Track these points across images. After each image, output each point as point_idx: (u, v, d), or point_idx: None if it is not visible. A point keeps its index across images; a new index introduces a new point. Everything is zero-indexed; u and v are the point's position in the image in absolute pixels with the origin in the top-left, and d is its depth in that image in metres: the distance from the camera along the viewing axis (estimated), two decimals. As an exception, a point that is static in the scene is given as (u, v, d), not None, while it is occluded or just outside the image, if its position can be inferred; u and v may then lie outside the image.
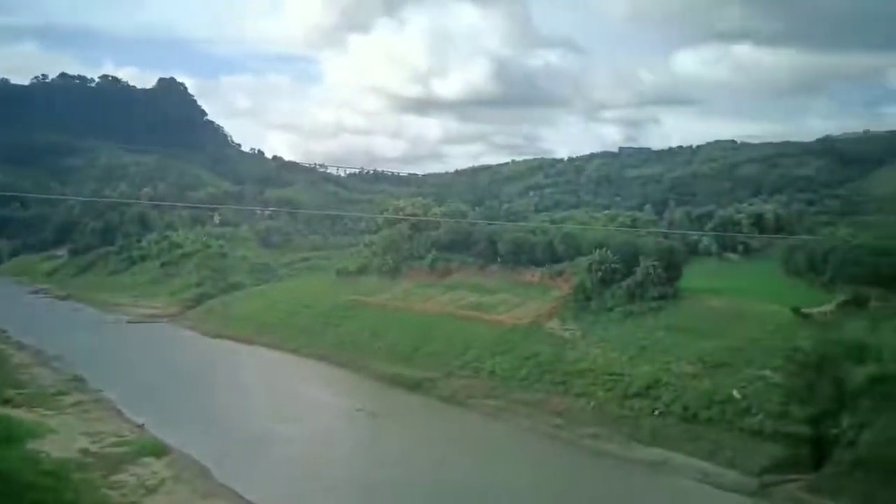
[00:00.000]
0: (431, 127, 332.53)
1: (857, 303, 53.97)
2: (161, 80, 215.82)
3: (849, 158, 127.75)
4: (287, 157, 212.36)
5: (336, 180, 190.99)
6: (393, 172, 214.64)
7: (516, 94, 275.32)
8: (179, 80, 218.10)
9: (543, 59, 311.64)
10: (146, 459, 39.72)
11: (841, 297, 55.52)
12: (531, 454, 45.36)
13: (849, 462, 36.98)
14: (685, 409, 44.34)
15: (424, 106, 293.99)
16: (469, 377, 57.09)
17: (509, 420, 50.19)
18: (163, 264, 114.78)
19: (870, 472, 35.68)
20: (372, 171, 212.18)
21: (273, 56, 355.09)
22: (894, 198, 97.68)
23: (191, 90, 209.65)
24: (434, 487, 38.11)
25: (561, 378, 52.04)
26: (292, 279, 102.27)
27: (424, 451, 44.79)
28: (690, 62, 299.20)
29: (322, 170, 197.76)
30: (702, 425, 43.12)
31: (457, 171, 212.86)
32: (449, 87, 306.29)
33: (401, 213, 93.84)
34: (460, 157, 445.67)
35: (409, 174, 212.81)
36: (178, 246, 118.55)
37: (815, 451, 39.24)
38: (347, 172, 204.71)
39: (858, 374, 41.38)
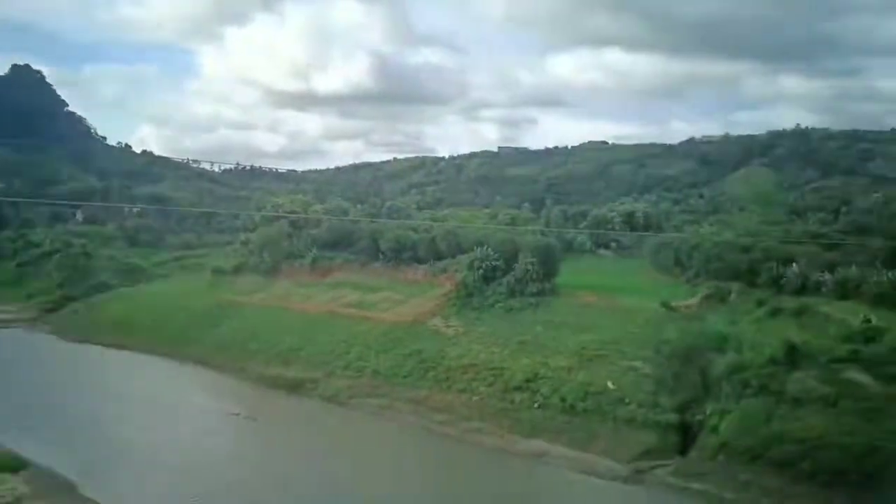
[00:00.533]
0: (311, 122, 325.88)
1: (719, 296, 57.83)
2: (14, 67, 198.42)
3: (710, 160, 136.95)
4: (158, 151, 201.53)
5: (211, 176, 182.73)
6: (271, 168, 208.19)
7: (397, 91, 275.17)
8: (36, 67, 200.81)
9: (424, 57, 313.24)
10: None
11: (704, 291, 59.30)
12: (413, 451, 45.23)
13: (713, 446, 39.31)
14: (563, 401, 45.64)
15: (304, 101, 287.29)
16: (352, 376, 56.15)
17: (393, 418, 49.73)
18: (19, 265, 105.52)
19: (732, 454, 38.09)
20: (249, 167, 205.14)
21: (144, 45, 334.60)
22: (752, 197, 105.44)
23: (49, 79, 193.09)
24: (311, 489, 37.17)
25: (444, 374, 52.18)
26: (165, 280, 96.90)
27: (303, 453, 43.56)
28: (565, 65, 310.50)
29: (196, 165, 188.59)
30: (579, 416, 44.54)
31: (338, 168, 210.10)
32: (329, 82, 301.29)
33: (280, 211, 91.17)
34: (341, 154, 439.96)
35: (289, 170, 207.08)
36: (36, 245, 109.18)
37: (682, 437, 41.48)
38: (223, 168, 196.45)
39: (720, 364, 44.17)
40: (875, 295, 50.52)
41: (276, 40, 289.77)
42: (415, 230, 79.14)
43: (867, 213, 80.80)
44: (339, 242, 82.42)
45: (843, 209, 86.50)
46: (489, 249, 63.62)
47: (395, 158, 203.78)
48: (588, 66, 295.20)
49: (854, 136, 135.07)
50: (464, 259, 66.92)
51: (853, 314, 47.60)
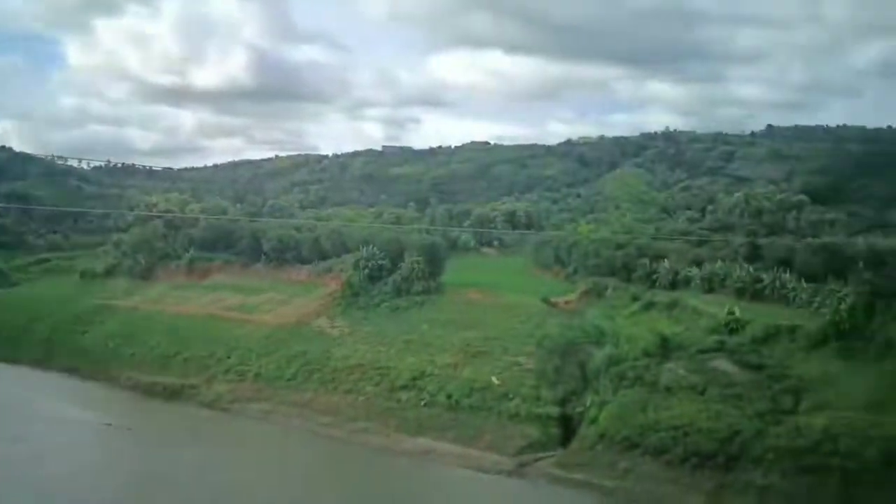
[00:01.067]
0: (187, 118, 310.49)
1: (597, 292, 60.09)
2: None
3: (587, 161, 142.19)
4: (18, 147, 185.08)
5: (79, 174, 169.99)
6: (145, 166, 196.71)
7: (277, 87, 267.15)
8: None
9: (305, 54, 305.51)
10: None
11: (583, 287, 61.44)
12: (297, 454, 44.04)
13: (592, 436, 40.65)
14: (449, 398, 45.86)
15: (179, 96, 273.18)
16: (234, 381, 54.05)
17: (278, 422, 48.25)
18: None
19: (610, 444, 39.51)
20: (121, 165, 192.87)
21: (2, 34, 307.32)
22: (626, 196, 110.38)
23: None
24: (188, 500, 35.28)
25: (330, 376, 51.19)
26: (28, 284, 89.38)
27: (181, 462, 41.20)
28: (447, 65, 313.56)
29: (62, 162, 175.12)
30: (464, 412, 44.89)
31: (216, 166, 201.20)
32: (206, 76, 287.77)
33: (154, 210, 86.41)
34: (220, 152, 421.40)
35: (164, 168, 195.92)
36: None
37: (564, 429, 42.68)
38: (92, 165, 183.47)
39: (598, 357, 45.85)
40: (738, 288, 54.00)
41: (150, 32, 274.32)
42: (298, 229, 77.21)
43: (730, 211, 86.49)
44: (218, 243, 79.08)
45: (709, 208, 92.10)
46: (375, 249, 63.04)
47: (276, 156, 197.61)
48: (469, 66, 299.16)
49: (718, 139, 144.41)
50: (349, 259, 65.94)
51: (719, 307, 50.61)
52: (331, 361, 52.53)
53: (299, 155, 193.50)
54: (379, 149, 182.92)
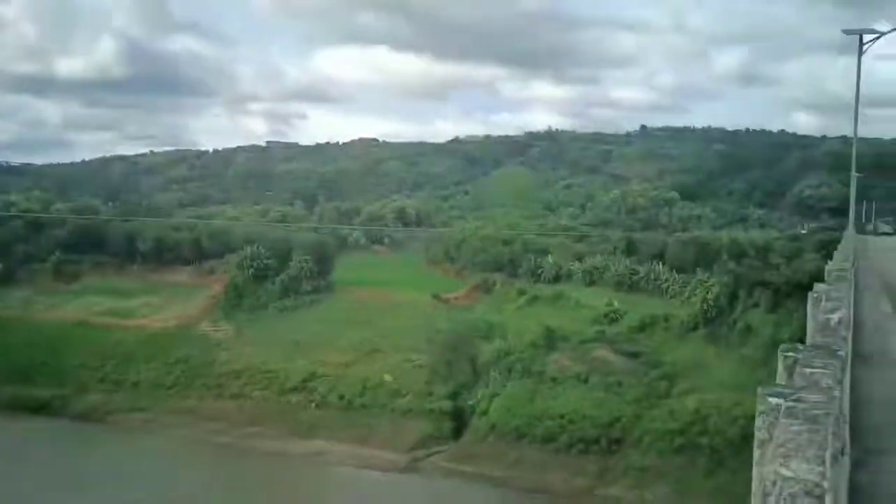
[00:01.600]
0: (51, 110, 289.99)
1: (485, 287, 61.29)
2: None
3: (473, 159, 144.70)
4: None
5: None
6: (3, 162, 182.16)
7: (152, 79, 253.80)
8: None
9: (183, 44, 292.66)
10: None
11: (472, 283, 62.50)
12: (183, 464, 42.02)
13: (483, 428, 41.58)
14: (341, 398, 45.47)
15: (42, 85, 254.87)
16: (109, 390, 50.96)
17: (160, 432, 45.88)
18: None
19: (500, 435, 40.57)
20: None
21: None
22: (512, 194, 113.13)
23: None
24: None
25: (215, 381, 49.37)
26: None
27: (46, 481, 38.42)
28: (334, 61, 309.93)
29: None
30: (357, 412, 44.66)
31: (84, 162, 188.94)
32: (72, 65, 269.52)
33: (13, 210, 79.90)
34: (89, 147, 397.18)
35: (24, 164, 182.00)
36: None
37: (456, 423, 43.34)
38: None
39: (487, 350, 46.86)
40: (616, 281, 56.75)
41: (7, 16, 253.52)
42: (176, 229, 73.77)
43: (608, 208, 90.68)
44: (87, 244, 74.08)
45: (589, 204, 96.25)
46: (260, 248, 61.17)
47: (151, 151, 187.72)
48: (357, 63, 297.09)
49: (596, 139, 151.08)
50: (233, 259, 63.65)
51: (599, 298, 52.99)
52: (216, 366, 50.66)
53: (177, 150, 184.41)
54: (263, 144, 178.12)
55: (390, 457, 40.91)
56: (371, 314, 54.71)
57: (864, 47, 27.13)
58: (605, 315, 49.64)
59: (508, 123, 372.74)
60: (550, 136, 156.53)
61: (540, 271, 61.04)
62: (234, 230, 71.29)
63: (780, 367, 3.10)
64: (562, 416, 39.94)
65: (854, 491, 4.31)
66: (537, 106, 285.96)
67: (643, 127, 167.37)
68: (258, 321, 56.17)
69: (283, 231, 70.99)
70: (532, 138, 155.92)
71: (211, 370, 50.34)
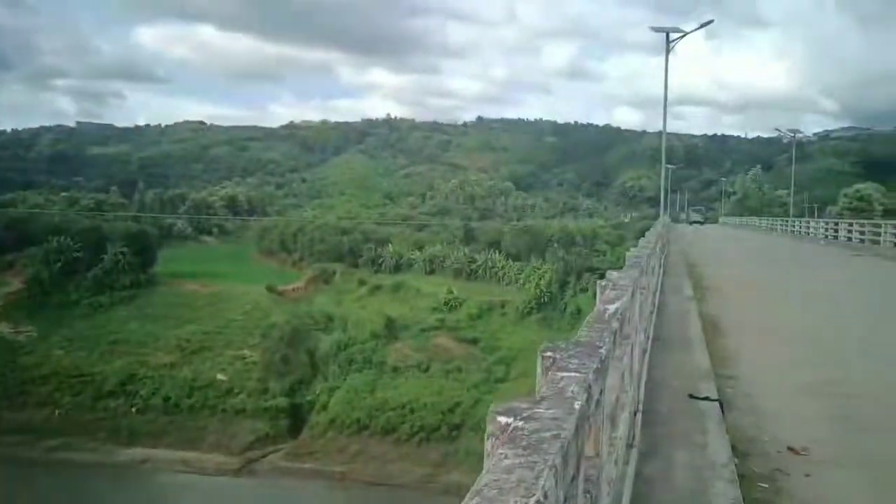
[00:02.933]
0: None
1: (324, 278, 59.43)
2: None
3: (310, 145, 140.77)
4: None
5: None
6: None
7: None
8: None
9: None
10: None
11: (310, 273, 60.36)
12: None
13: (323, 423, 40.07)
14: (166, 400, 41.94)
15: None
16: None
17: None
18: None
19: (341, 429, 39.29)
20: None
21: None
22: (351, 182, 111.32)
23: None
24: None
25: (16, 389, 43.60)
26: None
27: None
28: (154, 37, 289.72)
29: None
30: (184, 414, 41.43)
31: None
32: None
33: None
34: None
35: None
36: None
37: (294, 420, 41.46)
38: None
39: (326, 343, 45.29)
40: (456, 269, 57.19)
41: None
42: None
43: (447, 196, 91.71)
44: None
45: (429, 193, 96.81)
46: (68, 239, 54.84)
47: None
48: (180, 40, 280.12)
49: (435, 128, 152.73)
50: (36, 252, 56.56)
51: (439, 287, 53.07)
52: (17, 373, 44.75)
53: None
54: (72, 125, 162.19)
55: (222, 460, 38.33)
56: (199, 309, 51.16)
57: (671, 45, 28.77)
58: (446, 303, 49.80)
59: (346, 109, 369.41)
60: (389, 123, 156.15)
61: (381, 261, 60.22)
62: (36, 220, 63.66)
63: (539, 370, 2.36)
64: (403, 406, 39.39)
65: (641, 483, 4.44)
66: (375, 93, 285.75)
67: (479, 117, 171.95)
68: (68, 320, 50.34)
69: (96, 220, 64.39)
70: (371, 125, 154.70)
71: (10, 377, 44.38)
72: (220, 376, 43.67)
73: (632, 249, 8.38)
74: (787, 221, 51.31)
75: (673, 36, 28.46)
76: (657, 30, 28.83)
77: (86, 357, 45.49)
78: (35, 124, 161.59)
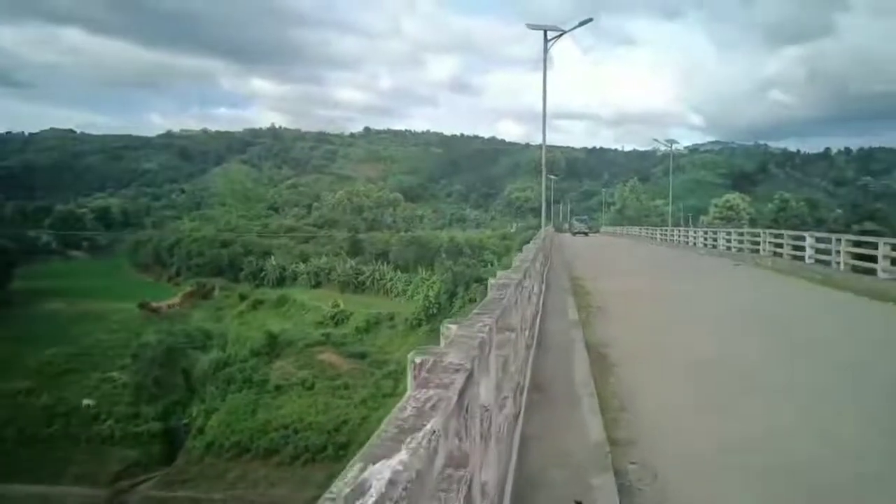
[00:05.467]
0: None
1: (203, 293, 56.68)
2: None
3: (190, 155, 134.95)
4: None
5: None
6: None
7: None
8: None
9: None
10: None
11: (187, 289, 57.40)
12: None
13: (200, 448, 37.73)
14: (21, 431, 38.27)
15: None
16: None
17: None
18: None
19: (219, 453, 37.13)
20: None
21: None
22: (232, 193, 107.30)
23: None
24: None
25: None
26: None
27: None
28: (14, 39, 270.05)
29: None
30: (43, 445, 37.91)
31: None
32: None
33: None
34: None
35: None
36: None
37: (167, 446, 38.93)
38: None
39: (203, 362, 42.95)
40: (342, 281, 56.01)
41: None
42: None
43: (334, 207, 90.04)
44: None
45: (315, 204, 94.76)
46: None
47: None
48: (45, 43, 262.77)
49: (321, 138, 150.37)
50: None
51: (325, 300, 51.72)
52: None
53: None
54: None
55: (87, 493, 35.24)
56: (64, 328, 47.40)
57: (549, 44, 28.85)
58: (332, 317, 48.58)
59: (227, 118, 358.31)
60: (274, 133, 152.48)
61: (263, 274, 58.16)
62: None
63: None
64: (286, 427, 37.72)
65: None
66: (258, 102, 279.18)
67: (367, 129, 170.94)
68: None
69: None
70: (254, 135, 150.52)
71: None
72: (86, 401, 40.44)
73: (503, 271, 6.51)
74: (665, 231, 52.42)
75: (550, 35, 28.48)
76: (533, 27, 28.53)
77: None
78: None
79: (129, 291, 56.30)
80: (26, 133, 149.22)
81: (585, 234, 63.22)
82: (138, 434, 38.76)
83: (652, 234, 55.09)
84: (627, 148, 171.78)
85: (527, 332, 7.45)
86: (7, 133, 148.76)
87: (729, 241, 33.15)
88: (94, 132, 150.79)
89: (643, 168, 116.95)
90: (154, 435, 39.00)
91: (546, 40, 27.66)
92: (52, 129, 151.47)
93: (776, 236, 27.28)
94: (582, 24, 28.93)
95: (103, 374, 42.42)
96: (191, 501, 34.86)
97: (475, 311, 3.75)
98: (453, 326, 3.16)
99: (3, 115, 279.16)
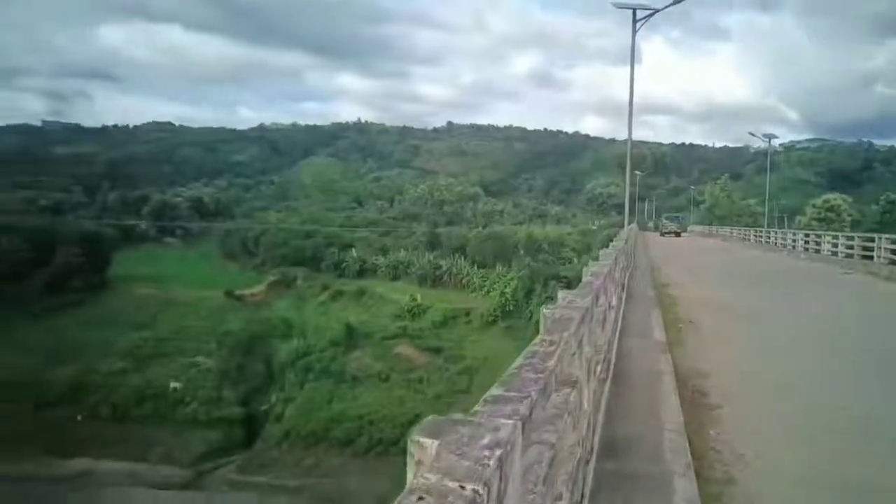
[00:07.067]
0: None
1: (286, 282, 58.01)
2: None
3: (279, 147, 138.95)
4: None
5: None
6: None
7: None
8: None
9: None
10: None
11: (271, 278, 58.89)
12: None
13: (277, 435, 38.66)
14: (114, 409, 40.21)
15: None
16: None
17: None
18: None
19: (296, 441, 37.91)
20: None
21: None
22: (318, 185, 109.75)
23: None
24: None
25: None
26: None
27: None
28: (121, 37, 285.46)
29: None
30: (133, 424, 39.66)
31: None
32: None
33: None
34: None
35: None
36: None
37: (247, 431, 40.01)
38: None
39: (284, 351, 43.89)
40: (420, 275, 56.10)
41: None
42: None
43: (416, 202, 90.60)
44: None
45: (398, 198, 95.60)
46: (17, 240, 52.69)
47: None
48: (147, 41, 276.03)
49: (405, 133, 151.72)
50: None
51: (403, 293, 51.93)
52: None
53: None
54: (38, 124, 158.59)
55: (170, 472, 36.70)
56: (154, 314, 49.50)
57: (638, 25, 27.58)
58: (409, 310, 48.67)
59: (314, 113, 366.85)
60: (359, 127, 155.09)
61: (343, 265, 58.95)
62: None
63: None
64: (360, 418, 38.12)
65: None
66: (344, 97, 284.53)
67: (450, 123, 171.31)
68: (11, 325, 48.18)
69: (49, 221, 62.19)
70: (340, 129, 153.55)
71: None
72: (173, 384, 42.03)
73: (559, 297, 4.67)
74: (759, 232, 49.05)
75: (640, 14, 27.23)
76: (620, 6, 27.42)
77: (28, 363, 43.46)
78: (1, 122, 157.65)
79: (216, 279, 58.28)
80: (131, 126, 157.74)
81: (677, 234, 59.57)
82: (220, 418, 39.94)
83: (745, 234, 52.46)
84: (718, 144, 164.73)
85: (599, 368, 5.93)
86: (114, 126, 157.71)
87: (836, 245, 30.23)
88: (192, 125, 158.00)
89: (734, 165, 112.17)
90: (235, 419, 40.13)
91: (635, 20, 26.52)
92: (153, 122, 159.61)
93: (894, 242, 24.10)
94: (675, 2, 27.29)
95: (190, 359, 43.91)
96: (268, 487, 35.72)
97: (519, 361, 2.67)
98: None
99: (111, 109, 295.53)
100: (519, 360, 2.68)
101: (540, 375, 2.44)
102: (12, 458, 36.89)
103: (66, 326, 47.39)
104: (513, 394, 2.16)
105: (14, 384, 41.34)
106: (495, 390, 2.20)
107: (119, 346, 44.86)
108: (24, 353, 44.36)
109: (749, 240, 49.30)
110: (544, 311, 3.94)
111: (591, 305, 5.01)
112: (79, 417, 39.85)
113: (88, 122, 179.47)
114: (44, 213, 71.37)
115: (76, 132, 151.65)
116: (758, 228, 52.32)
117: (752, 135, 77.57)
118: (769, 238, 44.78)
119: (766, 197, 56.66)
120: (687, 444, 5.67)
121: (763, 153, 62.91)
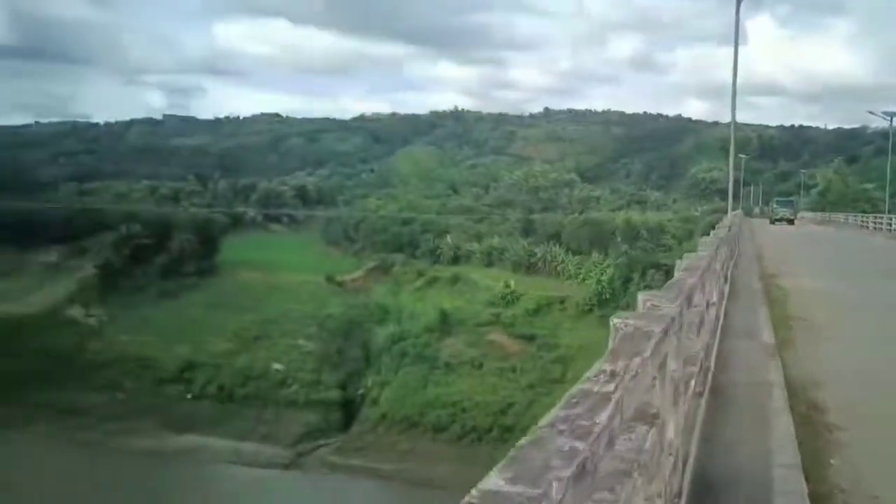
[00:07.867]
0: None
1: (384, 268, 59.20)
2: None
3: (379, 137, 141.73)
4: None
5: None
6: None
7: (36, 45, 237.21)
8: None
9: (70, 10, 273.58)
10: None
11: (370, 264, 60.26)
12: (37, 464, 37.84)
13: (373, 419, 39.62)
14: (221, 388, 42.43)
15: None
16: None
17: (11, 428, 41.21)
18: None
19: (391, 425, 38.74)
20: None
21: None
22: (416, 173, 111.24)
23: None
24: None
25: (81, 372, 44.96)
26: None
27: None
28: (232, 33, 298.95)
29: None
30: (238, 404, 41.77)
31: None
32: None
33: None
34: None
35: None
36: None
37: (345, 414, 41.20)
38: None
39: (380, 335, 44.83)
40: (514, 262, 55.81)
41: None
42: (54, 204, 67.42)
43: (511, 188, 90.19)
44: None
45: (493, 185, 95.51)
46: (138, 226, 56.47)
47: (37, 123, 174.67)
48: (256, 35, 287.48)
49: (501, 120, 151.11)
50: (108, 238, 58.48)
51: (497, 280, 51.86)
52: (84, 355, 46.24)
53: (64, 122, 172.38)
54: (159, 118, 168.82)
55: (273, 451, 38.34)
56: (259, 297, 51.66)
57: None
58: (503, 297, 48.54)
59: (413, 102, 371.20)
60: (456, 115, 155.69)
61: (438, 252, 59.50)
62: (114, 207, 65.89)
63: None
64: (454, 404, 38.48)
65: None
66: (441, 85, 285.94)
67: (546, 109, 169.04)
68: (136, 305, 51.70)
69: (167, 208, 66.17)
70: (438, 117, 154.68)
71: (77, 360, 45.84)
72: (275, 366, 43.85)
73: (638, 298, 4.02)
74: (880, 219, 45.47)
75: None
76: None
77: (150, 342, 46.55)
78: (126, 117, 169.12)
79: (318, 264, 60.17)
80: (241, 117, 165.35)
81: (791, 221, 55.52)
82: (319, 400, 41.35)
83: (863, 222, 49.04)
84: (831, 126, 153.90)
85: (693, 382, 5.12)
86: (226, 118, 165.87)
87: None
88: (297, 116, 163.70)
89: (849, 147, 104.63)
90: (333, 402, 41.42)
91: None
92: (262, 113, 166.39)
93: None
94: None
95: (292, 341, 45.65)
96: (364, 471, 36.64)
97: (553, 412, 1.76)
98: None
99: (223, 101, 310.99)
100: (555, 411, 1.76)
101: (579, 445, 1.50)
102: (140, 432, 39.66)
103: (182, 308, 50.36)
104: (518, 489, 1.24)
105: (141, 361, 44.45)
106: (495, 477, 1.33)
107: (226, 329, 47.20)
108: (147, 332, 47.52)
109: (868, 227, 46.16)
110: (614, 320, 3.05)
111: (682, 311, 4.03)
112: (189, 395, 42.35)
113: (203, 114, 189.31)
114: (162, 202, 75.73)
115: (192, 124, 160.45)
116: (877, 215, 48.64)
117: (872, 113, 71.45)
118: (890, 225, 41.82)
119: (888, 181, 52.30)
120: (804, 484, 4.46)
121: (883, 134, 58.10)
